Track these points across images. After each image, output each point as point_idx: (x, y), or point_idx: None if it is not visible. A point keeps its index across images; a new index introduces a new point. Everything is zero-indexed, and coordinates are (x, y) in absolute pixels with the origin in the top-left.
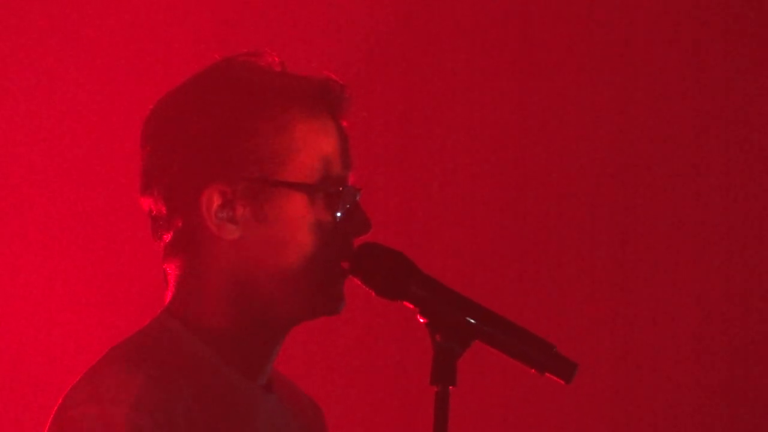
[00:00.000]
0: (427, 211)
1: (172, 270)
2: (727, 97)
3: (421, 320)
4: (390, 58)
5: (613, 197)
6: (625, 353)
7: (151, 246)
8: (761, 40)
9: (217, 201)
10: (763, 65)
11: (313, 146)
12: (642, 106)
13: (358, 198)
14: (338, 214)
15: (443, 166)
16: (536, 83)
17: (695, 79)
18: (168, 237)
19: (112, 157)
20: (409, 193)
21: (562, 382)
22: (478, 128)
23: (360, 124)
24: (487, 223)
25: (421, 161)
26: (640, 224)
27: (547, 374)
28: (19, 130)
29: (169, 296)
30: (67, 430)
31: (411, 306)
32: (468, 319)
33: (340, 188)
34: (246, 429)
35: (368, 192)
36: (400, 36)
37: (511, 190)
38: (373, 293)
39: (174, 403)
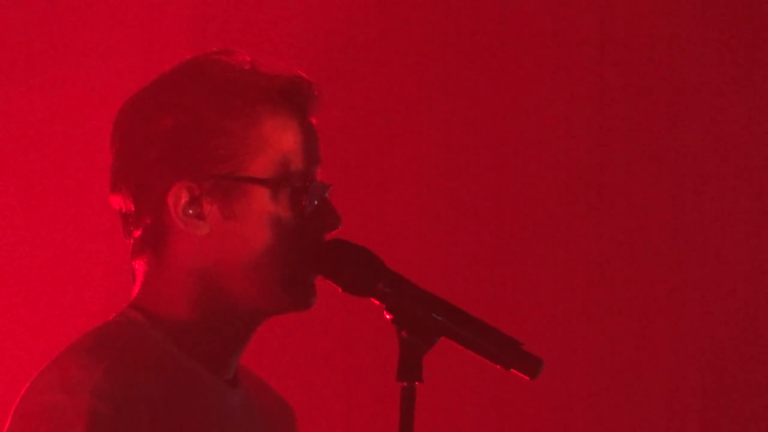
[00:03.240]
0: (402, 209)
1: (140, 266)
2: (712, 96)
3: (388, 317)
4: (367, 55)
5: (593, 193)
6: (602, 354)
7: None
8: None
9: (184, 198)
10: (761, 64)
11: (280, 143)
12: (621, 106)
13: (327, 194)
14: (306, 210)
15: (417, 164)
16: (517, 77)
17: (680, 76)
18: (137, 234)
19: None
20: (383, 191)
21: (527, 378)
22: (454, 125)
23: (334, 122)
24: (461, 220)
25: (395, 160)
26: (620, 225)
27: (513, 370)
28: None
29: (135, 291)
30: (28, 419)
31: (377, 302)
32: (434, 315)
33: (308, 184)
34: (209, 422)
35: (343, 190)
36: (377, 33)
37: (488, 187)
38: (340, 290)
39: (136, 392)
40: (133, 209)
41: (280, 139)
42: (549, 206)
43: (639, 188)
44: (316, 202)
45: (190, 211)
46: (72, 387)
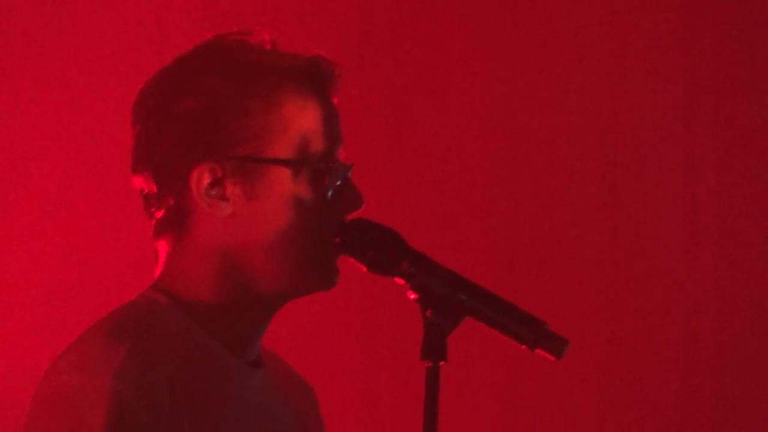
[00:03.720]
0: (419, 199)
1: (162, 247)
2: (721, 94)
3: (412, 296)
4: (383, 43)
5: (604, 191)
6: (615, 344)
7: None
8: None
9: (207, 179)
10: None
11: (302, 123)
12: (634, 105)
13: (349, 174)
14: (329, 190)
15: (437, 156)
16: (534, 70)
17: (688, 74)
18: (159, 215)
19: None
20: (400, 182)
21: (553, 358)
22: (470, 119)
23: (351, 116)
24: (478, 210)
25: (414, 151)
26: (630, 223)
27: (538, 351)
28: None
29: (158, 273)
30: (49, 400)
31: (401, 282)
32: (459, 295)
33: (330, 164)
34: (231, 403)
35: (361, 179)
36: (391, 24)
37: (500, 183)
38: (364, 269)
39: (157, 374)
40: (155, 190)
41: (302, 120)
42: (562, 199)
43: (650, 184)
44: (338, 183)
45: (213, 192)
46: (94, 369)
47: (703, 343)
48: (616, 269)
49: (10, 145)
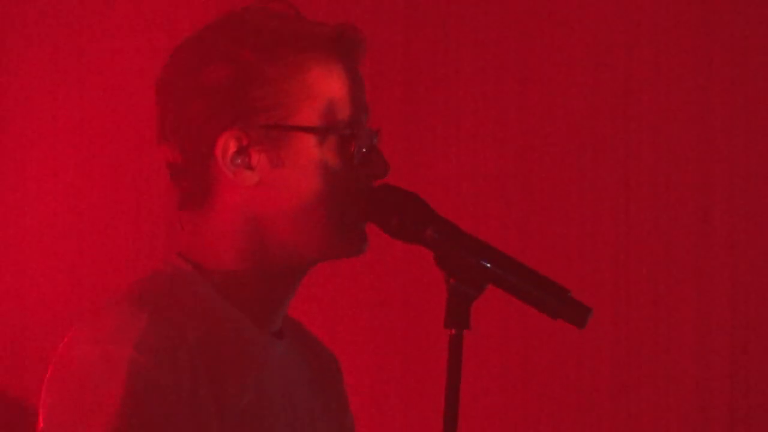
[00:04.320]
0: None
1: (187, 216)
2: (736, 90)
3: (436, 263)
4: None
5: (617, 190)
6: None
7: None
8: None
9: (232, 148)
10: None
11: (327, 90)
12: (645, 103)
13: (375, 141)
14: (355, 157)
15: (448, 151)
16: (550, 60)
17: (703, 70)
18: (185, 184)
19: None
20: (411, 181)
21: (576, 327)
22: (483, 113)
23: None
24: (490, 208)
25: (426, 147)
26: (643, 220)
27: (560, 319)
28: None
29: (183, 242)
30: (68, 370)
31: (426, 249)
32: (483, 262)
33: (356, 130)
34: (252, 373)
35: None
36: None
37: (516, 179)
38: (389, 235)
39: (177, 344)
40: (180, 160)
41: (328, 87)
42: (574, 196)
43: (665, 173)
44: (364, 150)
45: (239, 161)
46: (114, 338)
47: (717, 344)
48: (629, 266)
49: (18, 141)
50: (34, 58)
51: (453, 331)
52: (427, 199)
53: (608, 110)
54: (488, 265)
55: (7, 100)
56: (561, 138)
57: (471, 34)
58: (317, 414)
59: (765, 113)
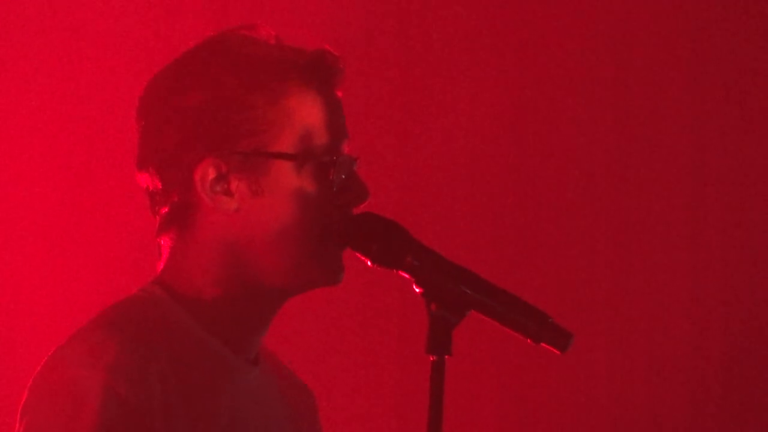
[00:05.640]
0: (428, 195)
1: (165, 242)
2: (728, 89)
3: (417, 290)
4: (387, 40)
5: (610, 184)
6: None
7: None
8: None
9: (211, 175)
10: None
11: (306, 117)
12: (639, 101)
13: (354, 167)
14: (334, 184)
15: (444, 149)
16: (545, 59)
17: (693, 73)
18: (164, 211)
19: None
20: (409, 179)
21: (557, 352)
22: (478, 112)
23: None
24: (486, 208)
25: (422, 145)
26: (637, 218)
27: (543, 344)
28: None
29: (160, 268)
30: (41, 395)
31: (406, 275)
32: (463, 288)
33: (334, 157)
34: (225, 399)
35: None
36: (397, 15)
37: (511, 177)
38: (369, 263)
39: (150, 369)
40: (159, 187)
41: (307, 113)
42: (568, 195)
43: (658, 182)
44: (343, 176)
45: (218, 188)
46: (88, 363)
47: (711, 342)
48: (623, 265)
49: (13, 140)
50: (30, 58)
51: (435, 358)
52: (426, 199)
53: (607, 109)
54: (469, 291)
55: (8, 100)
56: (559, 136)
57: (469, 32)
58: None
59: (765, 113)
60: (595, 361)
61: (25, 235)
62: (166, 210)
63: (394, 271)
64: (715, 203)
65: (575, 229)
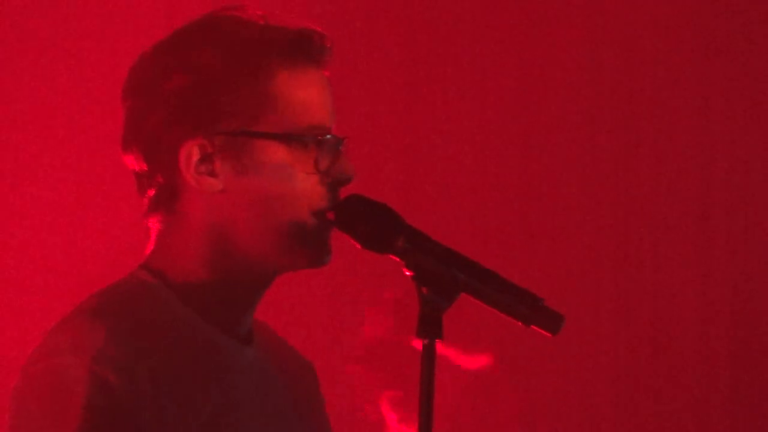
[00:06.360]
0: (433, 189)
1: (153, 225)
2: (736, 88)
3: (407, 273)
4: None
5: (613, 183)
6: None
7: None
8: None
9: (196, 156)
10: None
11: (291, 96)
12: (646, 101)
13: (341, 147)
14: (319, 164)
15: (449, 145)
16: (548, 54)
17: (704, 67)
18: (150, 193)
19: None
20: (415, 172)
21: (548, 335)
22: (484, 107)
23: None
24: (492, 204)
25: (426, 140)
26: (645, 216)
27: (533, 327)
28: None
29: (148, 251)
30: (29, 384)
31: (397, 259)
32: (454, 271)
33: (321, 137)
34: (219, 382)
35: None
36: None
37: (517, 174)
38: (359, 246)
39: (138, 355)
40: (145, 168)
41: (293, 93)
42: (575, 191)
43: (666, 180)
44: (330, 156)
45: (203, 169)
46: (75, 350)
47: (719, 342)
48: (630, 262)
49: (14, 137)
50: (30, 59)
51: (425, 341)
52: (425, 197)
53: (608, 109)
54: (460, 274)
55: (7, 99)
56: (561, 137)
57: (471, 33)
58: (291, 418)
59: (765, 113)
60: (602, 354)
61: (26, 236)
62: (153, 192)
63: (385, 254)
64: (722, 200)
65: (583, 226)
